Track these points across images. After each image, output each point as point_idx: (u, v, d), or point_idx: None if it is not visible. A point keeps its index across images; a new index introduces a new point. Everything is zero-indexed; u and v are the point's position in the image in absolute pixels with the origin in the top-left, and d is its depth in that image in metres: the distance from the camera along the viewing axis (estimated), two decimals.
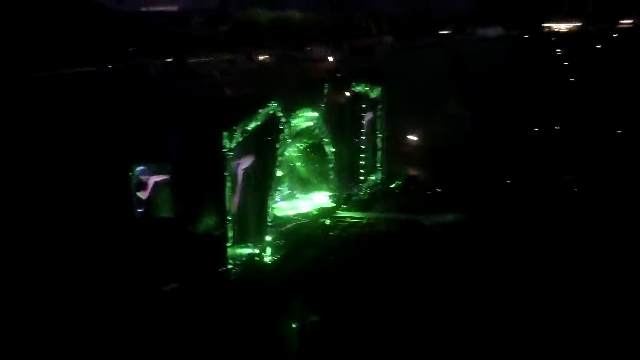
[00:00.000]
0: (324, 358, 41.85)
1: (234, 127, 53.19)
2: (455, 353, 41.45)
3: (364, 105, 74.50)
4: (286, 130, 61.56)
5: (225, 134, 52.17)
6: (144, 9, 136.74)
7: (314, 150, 70.15)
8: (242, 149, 54.63)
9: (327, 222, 64.11)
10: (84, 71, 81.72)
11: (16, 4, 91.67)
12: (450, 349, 41.75)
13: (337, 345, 42.42)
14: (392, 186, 76.13)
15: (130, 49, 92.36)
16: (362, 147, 74.55)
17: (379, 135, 76.84)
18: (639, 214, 61.96)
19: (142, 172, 55.30)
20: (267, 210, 57.63)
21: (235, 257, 53.26)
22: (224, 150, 52.09)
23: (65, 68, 79.34)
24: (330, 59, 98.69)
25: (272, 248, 56.00)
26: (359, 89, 73.96)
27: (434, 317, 44.94)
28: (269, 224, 57.80)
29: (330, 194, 69.52)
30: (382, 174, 77.09)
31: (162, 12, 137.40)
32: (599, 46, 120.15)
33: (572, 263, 52.34)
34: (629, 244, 55.44)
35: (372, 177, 75.14)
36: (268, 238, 56.28)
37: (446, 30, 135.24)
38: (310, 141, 68.88)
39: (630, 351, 41.29)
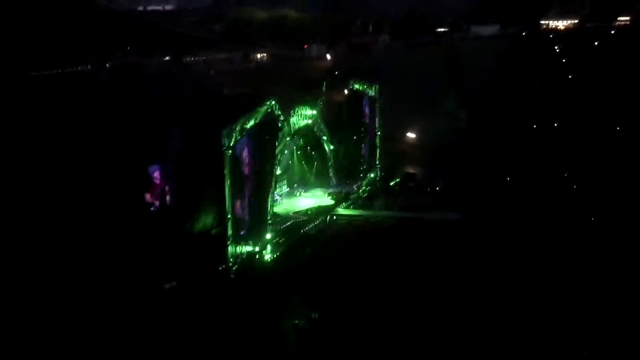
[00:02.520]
0: (323, 354, 41.79)
1: (233, 126, 53.12)
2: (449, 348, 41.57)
3: (361, 104, 74.63)
4: (285, 129, 61.62)
5: (224, 132, 52.10)
6: (140, 8, 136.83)
7: (313, 148, 70.25)
8: (241, 147, 54.60)
9: (326, 219, 64.09)
10: (79, 70, 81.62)
11: (16, 4, 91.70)
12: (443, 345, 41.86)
13: (335, 341, 42.39)
14: (390, 184, 76.18)
15: (126, 48, 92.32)
16: (360, 144, 74.71)
17: (377, 133, 76.90)
18: (635, 208, 62.26)
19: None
20: (266, 208, 57.53)
21: (235, 255, 53.20)
22: (223, 148, 52.01)
23: (62, 67, 79.23)
24: (328, 57, 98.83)
25: (272, 246, 55.94)
26: (356, 87, 74.11)
27: (429, 315, 44.90)
28: (269, 222, 57.67)
29: (329, 191, 69.53)
30: (380, 171, 77.11)
31: (157, 11, 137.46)
32: (596, 43, 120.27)
33: (564, 261, 52.32)
34: (624, 238, 55.74)
35: (371, 175, 75.14)
36: (268, 236, 56.20)
37: (442, 29, 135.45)
38: (308, 139, 68.90)
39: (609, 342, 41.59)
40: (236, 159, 54.18)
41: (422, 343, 41.93)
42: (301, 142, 68.72)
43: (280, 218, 61.67)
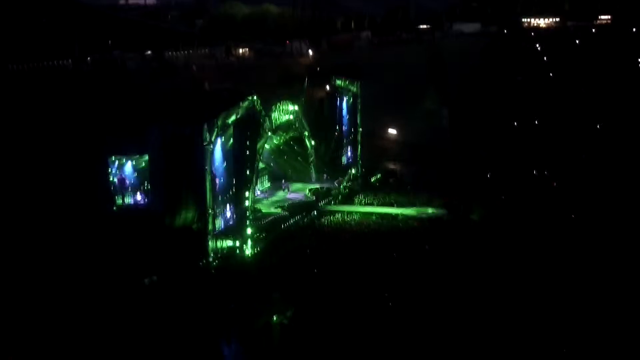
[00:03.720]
0: (301, 349, 41.80)
1: (214, 120, 53.04)
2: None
3: (342, 100, 74.70)
4: (266, 124, 61.53)
5: (205, 127, 52.01)
6: (122, 2, 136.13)
7: (294, 144, 70.20)
8: (222, 142, 54.53)
9: (307, 215, 64.08)
10: (61, 64, 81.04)
11: None
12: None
13: (313, 336, 42.41)
14: (371, 180, 76.29)
15: (107, 43, 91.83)
16: (342, 141, 74.80)
17: (358, 130, 77.01)
18: (618, 204, 62.85)
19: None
20: (247, 203, 57.45)
21: (215, 250, 53.14)
22: (204, 143, 51.91)
23: (43, 61, 78.66)
24: (310, 53, 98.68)
25: (252, 241, 55.85)
26: (338, 83, 74.17)
27: (407, 310, 45.01)
28: (249, 217, 57.58)
29: (310, 187, 69.47)
30: (361, 168, 77.17)
31: (139, 5, 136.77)
32: (577, 42, 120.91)
33: (547, 257, 52.64)
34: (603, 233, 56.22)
35: (352, 171, 75.18)
36: (248, 231, 56.11)
37: (424, 26, 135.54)
38: (290, 135, 68.85)
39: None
40: (217, 154, 54.20)
41: (400, 339, 41.95)
42: (282, 138, 68.52)
43: (261, 213, 61.53)
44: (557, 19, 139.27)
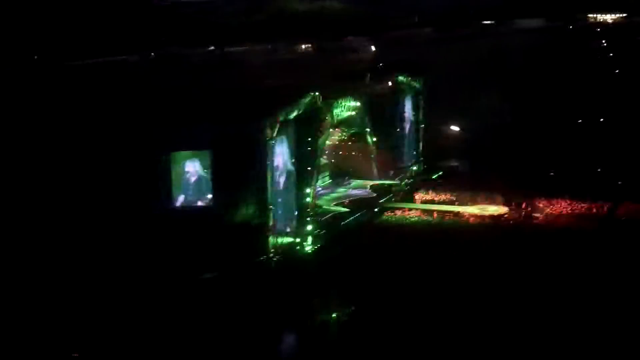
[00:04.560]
0: (360, 346, 41.53)
1: (275, 117, 52.98)
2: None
3: (405, 96, 74.27)
4: (327, 120, 61.33)
5: (266, 123, 51.97)
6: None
7: (356, 140, 69.91)
8: (284, 138, 54.46)
9: (368, 212, 63.79)
10: (119, 60, 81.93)
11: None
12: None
13: (372, 334, 42.11)
14: (433, 177, 75.69)
15: (168, 39, 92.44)
16: (403, 137, 74.35)
17: (420, 126, 76.49)
18: None
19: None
20: (308, 199, 57.31)
21: (276, 246, 53.10)
22: (266, 139, 51.89)
23: (101, 57, 79.55)
24: (372, 49, 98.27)
25: (312, 237, 55.75)
26: (400, 79, 73.70)
27: (467, 313, 44.34)
28: (310, 213, 57.44)
29: (371, 184, 69.09)
30: (423, 164, 76.63)
31: (197, 1, 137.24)
32: None
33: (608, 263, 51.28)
34: None
35: (413, 168, 74.69)
36: (309, 227, 56.00)
37: (487, 21, 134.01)
38: (352, 131, 68.60)
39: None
40: (279, 150, 54.15)
41: (461, 339, 41.42)
42: (344, 134, 68.30)
43: (321, 210, 61.38)
44: (624, 15, 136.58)
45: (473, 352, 39.95)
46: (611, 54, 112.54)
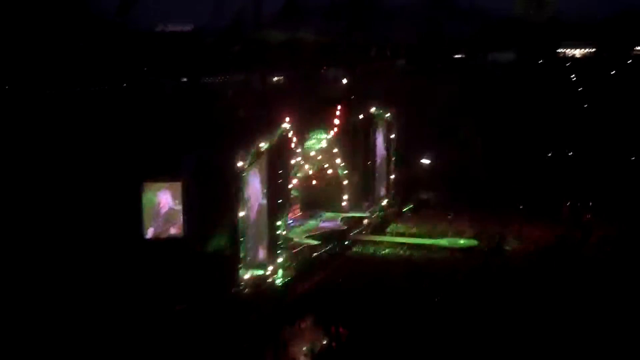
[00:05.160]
0: None
1: (248, 148, 53.09)
2: None
3: (376, 128, 74.69)
4: (299, 151, 61.59)
5: (239, 153, 52.07)
6: (158, 30, 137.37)
7: (328, 172, 70.10)
8: (255, 170, 54.56)
9: (339, 244, 63.89)
10: (97, 89, 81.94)
11: (28, 24, 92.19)
12: None
13: None
14: (404, 210, 76.04)
15: (144, 68, 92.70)
16: (374, 169, 74.64)
17: (392, 158, 76.86)
18: None
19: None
20: (279, 231, 57.34)
21: (247, 279, 52.99)
22: (237, 170, 51.94)
23: (79, 86, 79.59)
24: (344, 81, 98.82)
25: (283, 270, 55.72)
26: (372, 111, 74.16)
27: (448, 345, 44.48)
28: (281, 245, 57.47)
29: (342, 216, 69.19)
30: (394, 197, 76.93)
31: (175, 32, 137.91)
32: (612, 72, 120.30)
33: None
34: None
35: (384, 200, 74.98)
36: (280, 259, 56.01)
37: (459, 55, 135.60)
38: (323, 163, 68.81)
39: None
40: (251, 181, 54.21)
41: None
42: (315, 166, 68.50)
43: (292, 242, 61.39)
44: (593, 50, 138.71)
45: None
46: (580, 88, 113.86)
